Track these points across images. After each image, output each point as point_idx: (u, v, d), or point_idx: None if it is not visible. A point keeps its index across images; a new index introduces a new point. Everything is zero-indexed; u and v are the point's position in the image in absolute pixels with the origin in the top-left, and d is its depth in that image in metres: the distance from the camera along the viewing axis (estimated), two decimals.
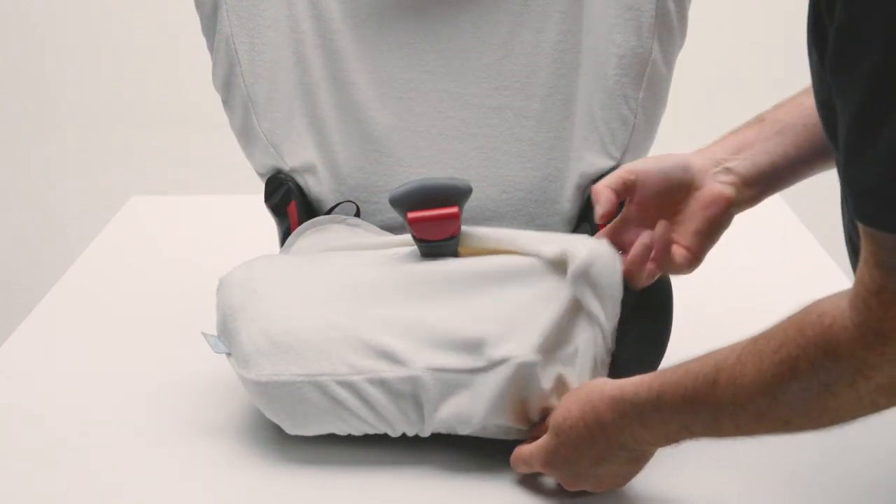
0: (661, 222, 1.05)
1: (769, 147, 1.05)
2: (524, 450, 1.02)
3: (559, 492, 1.02)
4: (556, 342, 1.04)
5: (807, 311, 0.80)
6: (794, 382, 0.79)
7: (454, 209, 1.12)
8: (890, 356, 0.75)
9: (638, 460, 0.97)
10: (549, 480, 1.03)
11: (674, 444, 0.93)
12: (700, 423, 0.88)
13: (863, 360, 0.76)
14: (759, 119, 1.08)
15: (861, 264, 0.76)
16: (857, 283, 0.76)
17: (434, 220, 1.11)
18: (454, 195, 1.12)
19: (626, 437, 0.93)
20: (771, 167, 1.05)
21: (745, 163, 1.05)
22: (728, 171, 1.06)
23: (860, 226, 0.75)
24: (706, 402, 0.86)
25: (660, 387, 0.89)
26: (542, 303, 1.05)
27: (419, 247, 1.15)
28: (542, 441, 1.00)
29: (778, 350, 0.80)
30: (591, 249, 1.04)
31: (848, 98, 0.74)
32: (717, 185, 1.05)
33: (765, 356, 0.81)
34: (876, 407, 0.78)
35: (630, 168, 1.07)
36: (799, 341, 0.79)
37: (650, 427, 0.91)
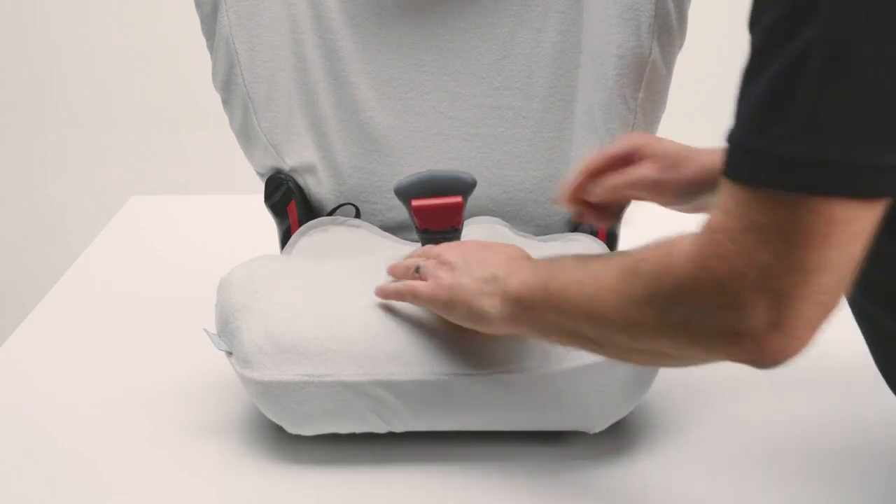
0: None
1: None
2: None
3: (562, 492, 1.02)
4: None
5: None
6: (635, 278, 0.81)
7: (458, 199, 1.13)
8: (703, 290, 0.76)
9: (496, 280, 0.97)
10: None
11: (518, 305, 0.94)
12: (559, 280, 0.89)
13: (681, 286, 0.77)
14: None
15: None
16: (707, 218, 0.77)
17: (437, 209, 1.12)
18: (459, 186, 1.14)
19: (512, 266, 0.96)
20: None
21: None
22: None
23: None
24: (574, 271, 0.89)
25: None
26: None
27: (421, 239, 1.15)
28: None
29: (632, 251, 0.84)
30: None
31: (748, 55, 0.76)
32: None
33: (619, 257, 0.85)
34: (677, 340, 0.80)
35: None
36: (650, 249, 0.82)
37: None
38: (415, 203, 1.13)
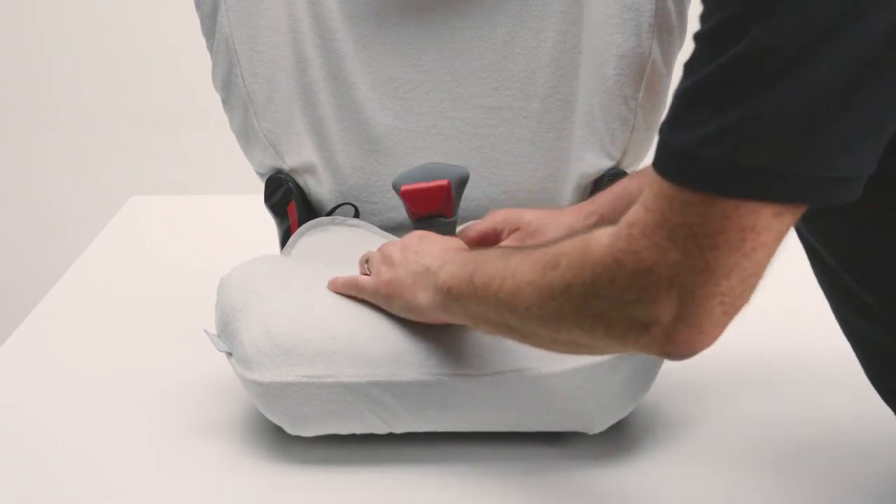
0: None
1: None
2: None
3: (561, 493, 1.02)
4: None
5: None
6: (553, 271, 0.82)
7: (444, 182, 1.15)
8: (615, 283, 0.77)
9: (427, 274, 0.99)
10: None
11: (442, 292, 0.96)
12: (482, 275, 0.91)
13: (597, 279, 0.78)
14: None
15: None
16: (628, 212, 0.79)
17: (425, 192, 1.16)
18: (447, 173, 1.18)
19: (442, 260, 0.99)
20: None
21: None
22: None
23: None
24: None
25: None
26: None
27: (415, 227, 1.16)
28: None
29: (551, 246, 0.85)
30: None
31: None
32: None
33: (539, 251, 0.86)
34: (593, 331, 0.80)
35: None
36: (568, 243, 0.83)
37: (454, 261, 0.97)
38: (404, 187, 1.16)
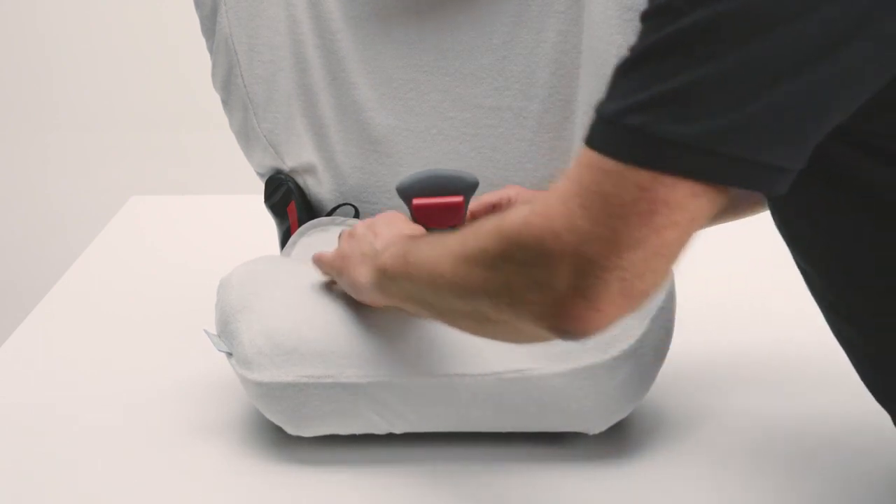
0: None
1: None
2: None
3: (561, 493, 1.02)
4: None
5: None
6: (474, 239, 0.81)
7: (459, 199, 1.14)
8: (523, 246, 0.76)
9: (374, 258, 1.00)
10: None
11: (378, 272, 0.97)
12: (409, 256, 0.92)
13: (509, 241, 0.77)
14: None
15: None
16: (552, 185, 0.78)
17: (438, 208, 1.14)
18: (460, 186, 1.15)
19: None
20: None
21: None
22: None
23: None
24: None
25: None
26: None
27: None
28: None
29: (476, 222, 0.85)
30: None
31: None
32: None
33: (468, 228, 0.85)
34: (498, 298, 0.79)
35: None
36: (491, 219, 0.81)
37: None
38: (416, 202, 1.14)
